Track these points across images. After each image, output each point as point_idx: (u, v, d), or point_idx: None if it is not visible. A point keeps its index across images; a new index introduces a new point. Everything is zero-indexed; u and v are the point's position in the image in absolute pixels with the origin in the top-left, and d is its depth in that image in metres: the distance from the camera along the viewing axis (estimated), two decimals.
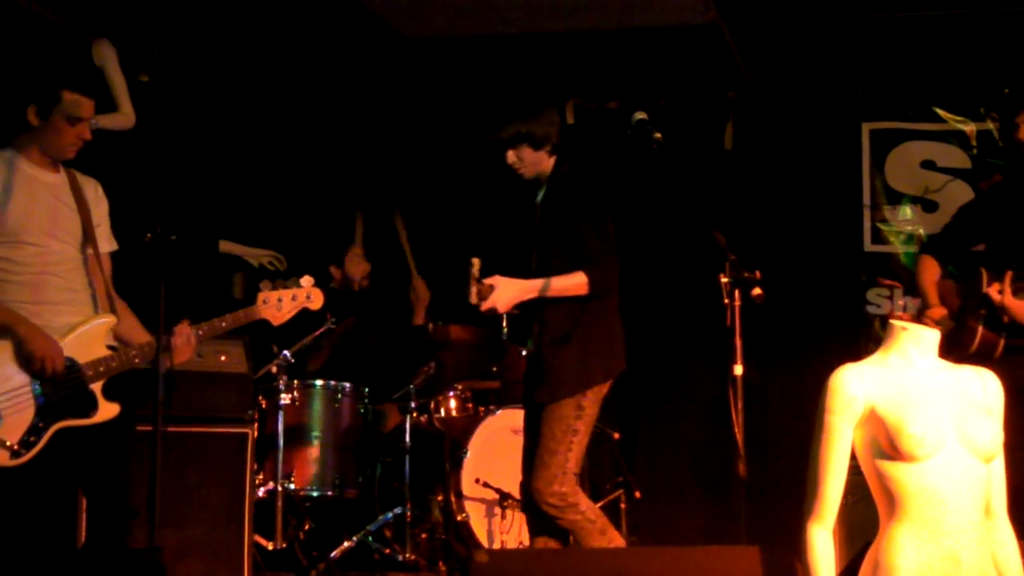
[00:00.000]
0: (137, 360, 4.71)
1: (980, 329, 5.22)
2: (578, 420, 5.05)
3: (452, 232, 8.52)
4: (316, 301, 5.09)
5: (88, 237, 4.81)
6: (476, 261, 5.17)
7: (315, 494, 6.92)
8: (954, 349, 5.27)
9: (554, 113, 5.27)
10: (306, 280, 5.07)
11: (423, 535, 6.83)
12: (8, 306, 4.57)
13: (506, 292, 5.09)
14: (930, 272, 5.63)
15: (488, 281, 5.10)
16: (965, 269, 5.53)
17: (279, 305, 5.01)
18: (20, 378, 4.54)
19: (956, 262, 5.66)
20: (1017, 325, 5.17)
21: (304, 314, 5.17)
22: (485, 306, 5.12)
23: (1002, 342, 5.19)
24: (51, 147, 4.73)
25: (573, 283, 5.07)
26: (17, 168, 4.70)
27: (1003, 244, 5.41)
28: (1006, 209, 5.49)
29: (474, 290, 5.11)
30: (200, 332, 4.85)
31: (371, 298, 8.03)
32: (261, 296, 5.00)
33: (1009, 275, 5.15)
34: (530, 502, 5.11)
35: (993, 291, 5.17)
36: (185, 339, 4.81)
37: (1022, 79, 7.39)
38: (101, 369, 4.65)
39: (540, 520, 5.10)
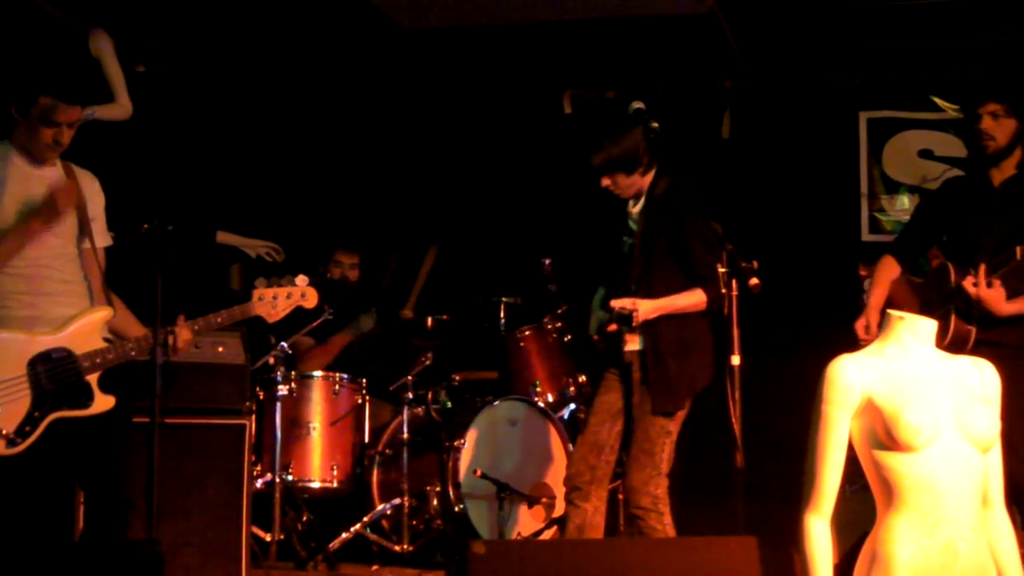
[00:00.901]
0: (134, 352, 4.71)
1: (953, 321, 5.22)
2: (672, 422, 5.24)
3: (443, 222, 8.53)
4: (311, 300, 5.11)
5: (84, 231, 4.81)
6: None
7: (313, 486, 6.92)
8: None
9: (638, 131, 5.29)
10: (301, 279, 5.09)
11: (421, 527, 6.83)
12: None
13: (643, 306, 5.20)
14: (887, 271, 5.64)
15: (623, 304, 5.19)
16: (925, 265, 5.58)
17: (274, 303, 5.04)
18: (16, 368, 4.54)
19: (917, 261, 5.69)
20: (987, 318, 5.18)
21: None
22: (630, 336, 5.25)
23: (973, 333, 5.20)
24: (29, 144, 4.70)
25: (693, 301, 5.23)
26: (12, 162, 4.69)
27: (966, 236, 5.41)
28: (967, 200, 5.49)
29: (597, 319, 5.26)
30: (196, 327, 4.87)
31: (362, 290, 8.01)
32: (256, 293, 5.03)
33: (983, 267, 5.14)
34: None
35: (968, 284, 5.16)
36: (183, 340, 4.81)
37: (986, 70, 7.39)
38: (97, 360, 4.64)
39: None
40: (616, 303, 5.17)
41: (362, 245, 8.04)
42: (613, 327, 5.20)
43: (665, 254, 5.28)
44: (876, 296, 5.59)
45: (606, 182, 5.35)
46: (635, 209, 5.43)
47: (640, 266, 5.32)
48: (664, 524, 5.13)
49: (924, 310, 5.28)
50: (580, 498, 5.29)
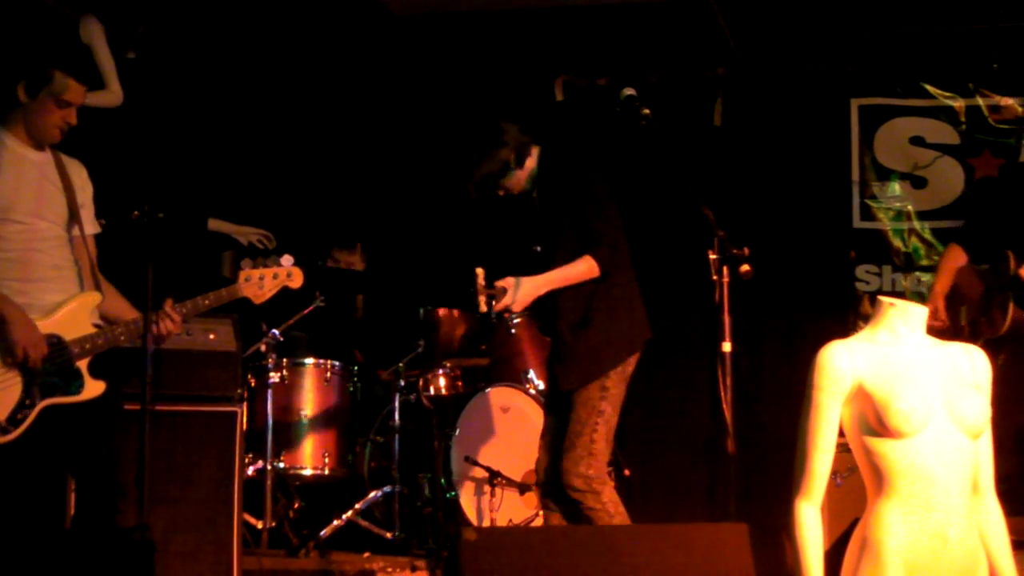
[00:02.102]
0: (123, 338, 4.70)
1: (1011, 309, 5.22)
2: (603, 401, 5.13)
3: (440, 215, 8.52)
4: (296, 280, 5.07)
5: (74, 217, 4.79)
6: (480, 271, 5.21)
7: (305, 473, 6.92)
8: (984, 330, 5.30)
9: (501, 131, 5.30)
10: (286, 259, 5.05)
11: (412, 514, 6.83)
12: None
13: (519, 291, 5.15)
14: (953, 259, 5.65)
15: (499, 283, 5.17)
16: (992, 254, 5.54)
17: (260, 283, 5.00)
18: (6, 356, 4.53)
19: (985, 249, 5.66)
20: None
21: (293, 294, 5.16)
22: (499, 306, 5.18)
23: None
24: (36, 127, 4.69)
25: (583, 268, 5.15)
26: (5, 145, 4.68)
27: None
28: None
29: (482, 299, 5.17)
30: (183, 310, 4.83)
31: (366, 278, 8.01)
32: (243, 274, 4.99)
33: None
34: (555, 484, 5.18)
35: None
36: (171, 322, 4.79)
37: None
38: (87, 346, 4.63)
39: (558, 503, 5.22)
40: (495, 304, 5.16)
41: (359, 237, 8.04)
42: (483, 308, 5.17)
43: (563, 228, 5.22)
44: (941, 283, 5.61)
45: (500, 193, 5.35)
46: (534, 193, 5.42)
47: (544, 249, 5.29)
48: (603, 503, 5.06)
49: (986, 297, 5.29)
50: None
